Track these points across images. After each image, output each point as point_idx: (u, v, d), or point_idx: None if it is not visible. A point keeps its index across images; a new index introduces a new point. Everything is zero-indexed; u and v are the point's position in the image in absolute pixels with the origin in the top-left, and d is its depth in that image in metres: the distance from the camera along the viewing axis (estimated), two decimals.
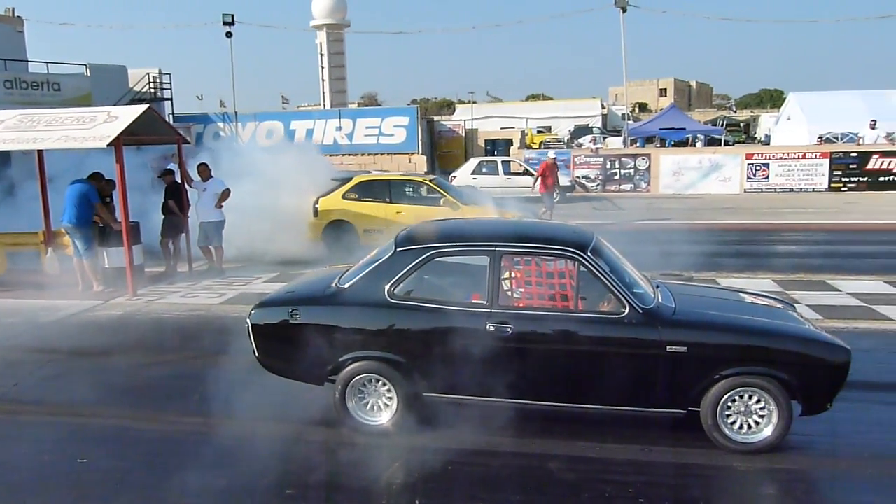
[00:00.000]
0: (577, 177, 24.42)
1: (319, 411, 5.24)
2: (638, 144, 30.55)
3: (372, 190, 12.91)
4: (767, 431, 4.54)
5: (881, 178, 22.78)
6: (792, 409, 4.51)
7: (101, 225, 9.80)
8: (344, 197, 12.78)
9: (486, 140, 31.25)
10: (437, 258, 4.93)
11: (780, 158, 23.61)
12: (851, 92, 29.53)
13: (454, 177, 22.93)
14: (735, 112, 59.65)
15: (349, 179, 13.29)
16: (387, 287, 4.86)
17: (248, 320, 5.17)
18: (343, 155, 26.57)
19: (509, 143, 30.68)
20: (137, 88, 27.34)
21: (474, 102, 49.12)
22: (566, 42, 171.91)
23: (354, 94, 62.01)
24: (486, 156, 25.27)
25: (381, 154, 26.46)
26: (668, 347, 4.50)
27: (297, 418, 5.20)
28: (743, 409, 4.57)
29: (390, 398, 4.90)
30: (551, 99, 58.71)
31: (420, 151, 26.35)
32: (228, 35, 32.72)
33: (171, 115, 27.95)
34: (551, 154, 19.58)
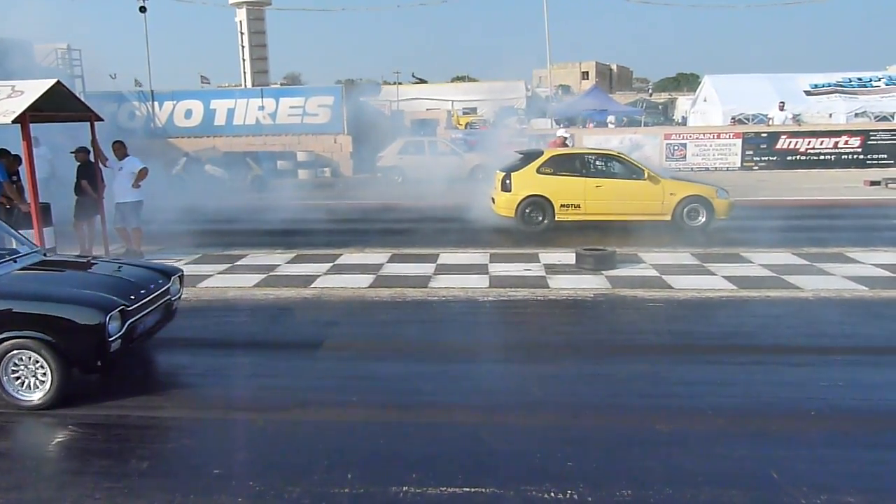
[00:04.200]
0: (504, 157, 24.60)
1: None
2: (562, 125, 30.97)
3: (568, 164, 12.78)
4: (44, 388, 5.11)
5: (789, 157, 23.89)
6: (64, 369, 5.07)
7: (8, 207, 9.29)
8: (538, 171, 12.61)
9: (412, 121, 31.07)
10: None
11: (697, 139, 24.45)
12: (762, 75, 30.73)
13: (380, 157, 22.77)
14: (651, 95, 61.29)
15: (534, 154, 13.15)
16: None
17: None
18: (266, 135, 25.93)
19: (436, 123, 30.60)
20: (45, 64, 25.85)
21: (400, 83, 48.73)
22: (491, 23, 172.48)
23: (277, 75, 60.45)
24: (412, 136, 25.15)
25: (306, 134, 25.94)
26: None
27: None
28: (30, 370, 5.10)
29: None
30: (476, 80, 58.77)
31: (346, 132, 25.97)
32: (142, 10, 31.38)
33: (82, 94, 26.57)
34: (561, 131, 19.48)
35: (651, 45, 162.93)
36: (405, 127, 29.51)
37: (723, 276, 8.99)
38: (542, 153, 13.20)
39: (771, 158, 23.96)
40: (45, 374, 5.10)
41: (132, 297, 5.49)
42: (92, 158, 10.53)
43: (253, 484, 4.09)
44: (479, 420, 4.97)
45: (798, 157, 23.94)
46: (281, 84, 44.31)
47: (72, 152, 10.88)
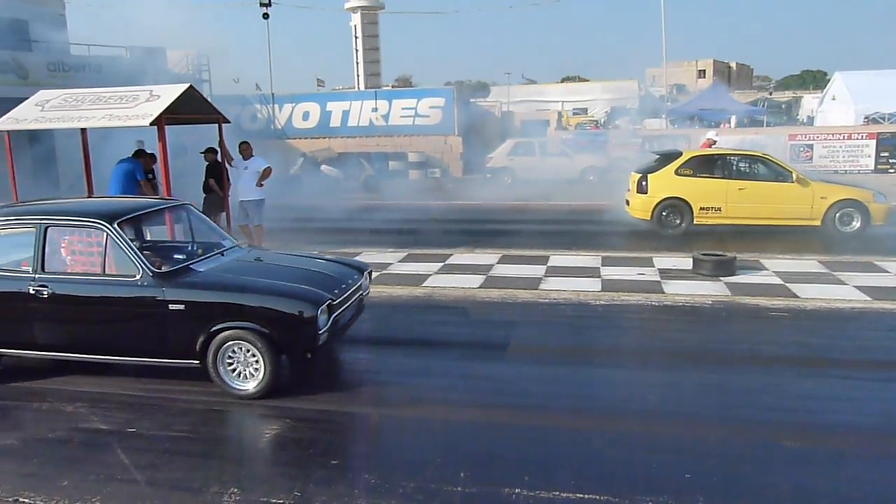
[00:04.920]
0: (616, 158, 24.08)
1: None
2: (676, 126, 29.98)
3: (709, 165, 12.45)
4: (258, 377, 5.27)
5: None
6: (277, 360, 5.24)
7: None
8: (677, 173, 12.43)
9: (522, 121, 30.97)
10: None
11: (825, 139, 23.00)
12: None
13: (490, 158, 22.82)
14: (772, 94, 58.24)
15: (673, 155, 13.00)
16: None
17: None
18: (379, 136, 26.57)
19: (546, 124, 30.37)
20: (176, 71, 27.60)
21: (510, 84, 48.67)
22: (603, 22, 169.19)
23: (388, 77, 61.81)
24: (522, 137, 25.07)
25: (417, 135, 26.38)
26: (170, 306, 5.25)
27: None
28: (243, 359, 5.28)
29: None
30: (587, 80, 57.84)
31: (456, 133, 26.20)
32: (265, 16, 32.85)
33: (210, 97, 28.19)
34: (711, 133, 19.10)
35: (773, 40, 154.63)
36: (515, 128, 29.46)
37: (854, 286, 8.41)
38: (680, 154, 12.81)
39: None
40: (258, 364, 5.28)
41: (336, 292, 5.64)
42: (219, 158, 11.11)
43: (369, 476, 4.20)
44: (593, 426, 4.88)
45: None
46: (392, 86, 45.32)
47: (201, 153, 11.54)
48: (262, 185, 11.01)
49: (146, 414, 5.21)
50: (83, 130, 10.76)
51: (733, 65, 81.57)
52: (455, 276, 9.39)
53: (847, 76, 29.18)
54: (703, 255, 9.34)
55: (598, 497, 3.93)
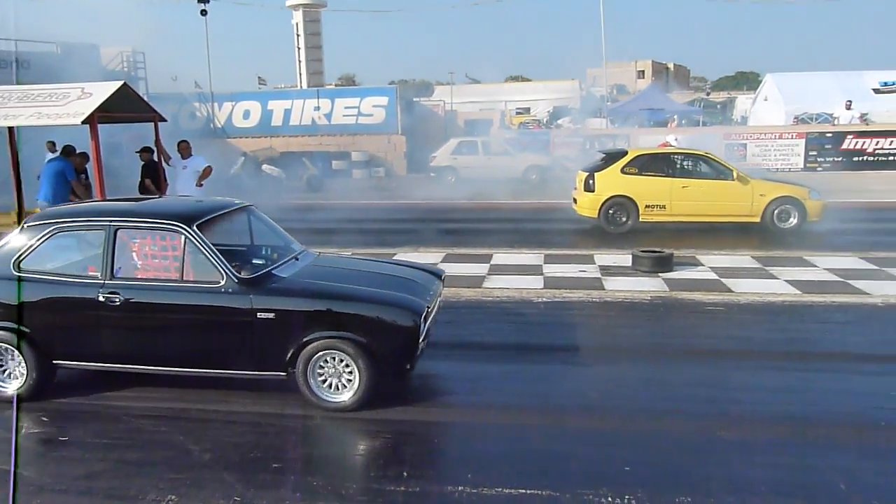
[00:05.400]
0: (558, 157, 24.41)
1: None
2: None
3: (653, 164, 12.65)
4: (351, 389, 4.97)
5: (855, 158, 23.04)
6: (373, 371, 4.91)
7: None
8: (622, 171, 12.55)
9: (465, 121, 31.08)
10: (59, 233, 5.28)
11: (757, 138, 23.81)
12: (826, 73, 29.74)
13: (434, 157, 22.83)
14: (709, 94, 59.92)
15: (618, 154, 13.13)
16: (13, 261, 5.20)
17: None
18: (322, 136, 26.29)
19: (489, 123, 30.53)
20: (110, 68, 26.79)
21: (453, 84, 48.81)
22: (545, 22, 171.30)
23: (332, 76, 61.35)
24: (465, 136, 25.16)
25: (360, 134, 26.21)
26: (258, 314, 4.91)
27: None
28: (334, 370, 4.99)
29: (23, 367, 5.23)
30: (529, 80, 58.43)
31: (400, 132, 26.15)
32: (203, 13, 32.15)
33: (146, 95, 27.44)
34: (669, 138, 19.27)
35: (709, 42, 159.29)
36: (458, 127, 29.55)
37: (785, 280, 8.73)
38: (625, 153, 13.05)
39: (836, 159, 23.14)
40: (351, 375, 4.98)
41: (427, 298, 5.35)
42: (155, 158, 10.83)
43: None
44: (532, 421, 4.93)
45: (865, 157, 23.07)
46: (336, 85, 44.97)
47: (136, 152, 11.23)
48: (201, 185, 10.79)
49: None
50: (10, 129, 10.35)
51: (671, 66, 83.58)
52: None
53: (778, 78, 30.22)
54: (642, 251, 9.55)
55: (539, 492, 3.97)
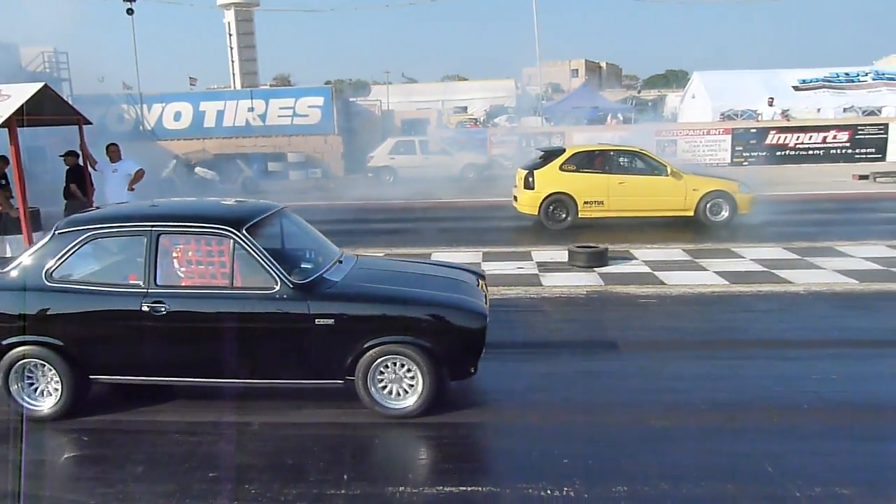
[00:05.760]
0: (494, 155, 24.66)
1: None
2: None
3: (590, 161, 12.82)
4: (414, 395, 4.82)
5: (778, 153, 24.02)
6: (436, 375, 4.78)
7: None
8: (561, 169, 12.64)
9: (403, 120, 31.07)
10: (95, 240, 4.97)
11: (686, 135, 24.56)
12: (750, 71, 30.86)
13: (371, 157, 22.74)
14: (640, 92, 61.45)
15: (557, 151, 13.19)
16: (44, 270, 4.86)
17: None
18: (256, 137, 25.85)
19: (426, 123, 30.59)
20: (31, 69, 25.73)
21: (390, 83, 48.71)
22: (481, 22, 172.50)
23: (266, 76, 60.40)
24: (402, 136, 25.15)
25: (296, 135, 25.88)
26: (316, 321, 4.69)
27: None
28: (394, 376, 4.82)
29: (57, 382, 4.91)
30: (466, 80, 58.77)
31: (336, 132, 25.93)
32: (129, 12, 31.20)
33: (70, 97, 26.46)
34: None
35: (640, 42, 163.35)
36: (396, 127, 29.51)
37: (714, 272, 9.03)
38: (563, 151, 13.24)
39: (760, 154, 24.07)
40: (412, 381, 4.82)
41: (481, 299, 5.25)
42: (81, 162, 10.46)
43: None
44: (470, 418, 4.96)
45: (787, 152, 24.07)
46: (270, 85, 44.22)
47: (61, 156, 10.82)
48: (133, 189, 10.46)
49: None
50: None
51: (604, 64, 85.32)
52: None
53: (705, 76, 31.20)
54: (578, 247, 9.73)
55: (480, 489, 4.01)
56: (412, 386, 4.83)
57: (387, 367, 4.81)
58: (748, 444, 4.49)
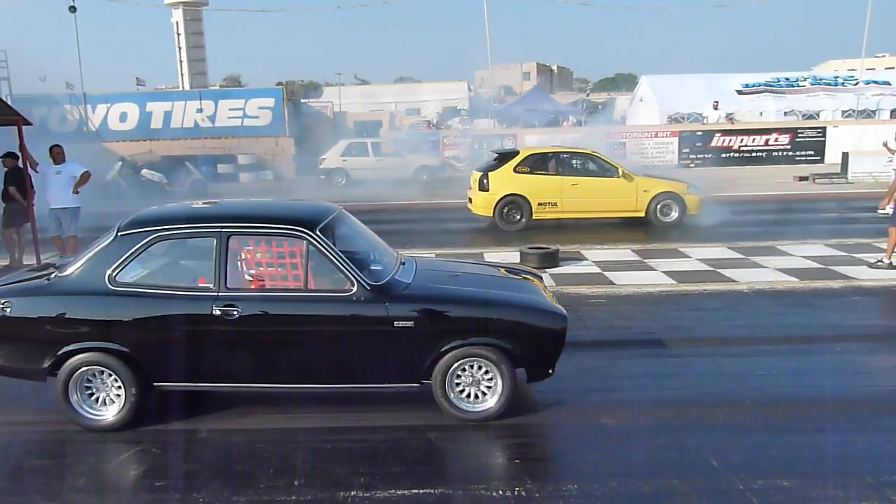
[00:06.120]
0: (447, 157, 24.74)
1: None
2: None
3: (544, 163, 12.91)
4: (493, 398, 4.80)
5: (723, 155, 24.68)
6: (515, 377, 4.78)
7: None
8: (515, 171, 12.72)
9: (355, 122, 30.93)
10: (161, 241, 4.80)
11: (636, 137, 25.03)
12: (696, 75, 31.62)
13: (323, 159, 22.55)
14: (589, 95, 62.37)
15: (511, 153, 13.26)
16: (107, 274, 4.70)
17: None
18: (205, 138, 25.39)
19: (379, 125, 30.52)
20: None
21: (342, 85, 48.41)
22: (433, 25, 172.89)
23: (216, 76, 59.41)
24: (355, 138, 25.01)
25: (247, 137, 25.52)
26: (395, 323, 4.63)
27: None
28: (472, 379, 4.81)
29: (119, 390, 4.76)
30: (419, 82, 58.82)
31: (287, 134, 25.65)
32: (72, 10, 30.34)
33: (9, 97, 25.59)
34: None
35: (590, 46, 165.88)
36: (348, 128, 29.35)
37: (662, 272, 9.22)
38: (517, 153, 13.37)
39: (706, 156, 24.69)
40: (490, 383, 4.79)
41: (555, 301, 5.28)
42: (20, 164, 10.13)
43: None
44: (425, 421, 4.96)
45: (732, 154, 24.74)
46: (221, 86, 43.61)
47: None
48: (78, 192, 10.17)
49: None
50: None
51: (555, 68, 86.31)
52: None
53: (652, 79, 31.86)
54: (530, 248, 9.82)
55: (433, 491, 4.01)
56: (490, 388, 4.80)
57: (463, 370, 4.77)
58: (694, 440, 4.61)
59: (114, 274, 4.69)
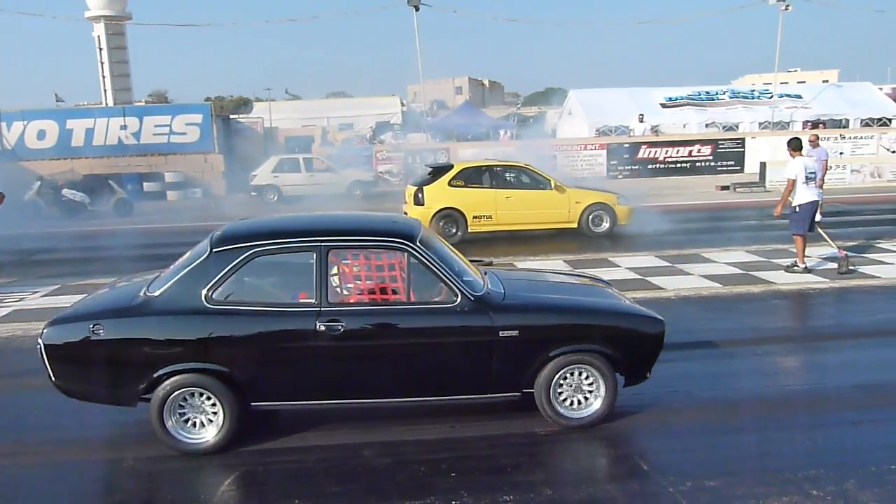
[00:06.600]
0: (380, 172, 24.72)
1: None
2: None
3: (478, 177, 13.04)
4: (597, 403, 4.87)
5: (650, 166, 25.44)
6: (617, 382, 4.89)
7: None
8: (450, 184, 12.76)
9: (286, 138, 30.56)
10: (258, 257, 4.65)
11: (566, 150, 25.56)
12: (622, 89, 32.60)
13: (254, 175, 22.20)
14: (519, 108, 63.44)
15: (445, 167, 13.29)
16: (204, 292, 4.54)
17: (39, 341, 4.58)
18: (130, 156, 24.62)
19: (311, 140, 30.26)
20: None
21: (273, 100, 47.86)
22: (364, 40, 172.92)
23: (142, 92, 57.87)
24: (286, 154, 24.70)
25: (174, 154, 24.87)
26: (500, 332, 4.63)
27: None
28: (573, 386, 4.87)
29: (215, 412, 4.59)
30: (352, 97, 58.68)
31: (217, 150, 25.13)
32: None
33: None
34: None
35: (521, 60, 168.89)
36: (279, 144, 28.98)
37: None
38: (452, 166, 13.48)
39: (633, 167, 25.41)
40: (591, 388, 4.83)
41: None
42: None
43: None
44: (370, 438, 4.92)
45: (657, 165, 25.53)
46: (146, 102, 42.44)
47: None
48: None
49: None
50: None
51: (486, 82, 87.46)
52: None
53: (580, 93, 32.65)
54: None
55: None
56: (591, 394, 4.87)
57: (565, 377, 4.81)
58: (625, 445, 4.71)
59: (211, 292, 4.54)
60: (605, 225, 13.00)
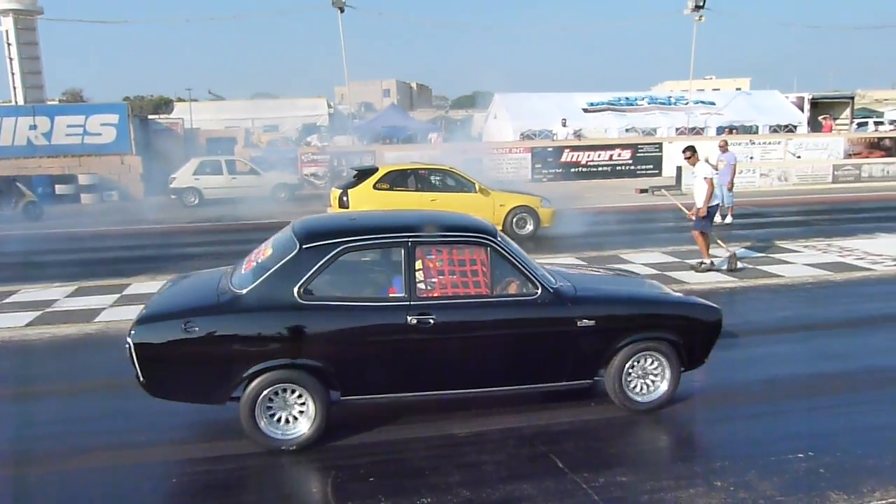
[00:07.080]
0: (306, 174, 24.41)
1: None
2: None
3: (403, 180, 13.07)
4: (664, 387, 5.19)
5: (572, 170, 26.00)
6: (680, 367, 5.21)
7: None
8: (375, 187, 12.76)
9: (208, 139, 29.81)
10: (347, 253, 4.77)
11: (492, 153, 25.83)
12: (545, 94, 33.22)
13: (174, 178, 21.57)
14: (448, 112, 63.84)
15: (370, 170, 13.26)
16: (296, 288, 4.59)
17: (129, 340, 4.54)
18: (40, 157, 23.51)
19: (234, 142, 29.62)
20: None
21: (194, 101, 46.63)
22: (290, 40, 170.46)
23: (55, 91, 55.46)
24: (207, 155, 24.07)
25: (88, 155, 23.87)
26: (578, 322, 4.90)
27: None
28: (640, 372, 5.18)
29: (304, 407, 4.66)
30: (277, 98, 57.76)
31: (134, 152, 24.26)
32: None
33: None
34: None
35: (448, 64, 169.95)
36: (200, 146, 28.26)
37: None
38: (377, 170, 13.38)
39: (557, 171, 25.91)
40: (657, 374, 5.15)
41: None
42: None
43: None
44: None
45: (580, 168, 26.12)
46: (60, 101, 40.66)
47: None
48: None
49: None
50: None
51: (414, 85, 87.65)
52: (135, 308, 8.69)
53: (505, 97, 33.09)
54: None
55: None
56: (657, 378, 5.16)
57: (632, 365, 5.10)
58: (544, 444, 4.80)
59: (302, 288, 4.59)
60: (529, 227, 13.22)
